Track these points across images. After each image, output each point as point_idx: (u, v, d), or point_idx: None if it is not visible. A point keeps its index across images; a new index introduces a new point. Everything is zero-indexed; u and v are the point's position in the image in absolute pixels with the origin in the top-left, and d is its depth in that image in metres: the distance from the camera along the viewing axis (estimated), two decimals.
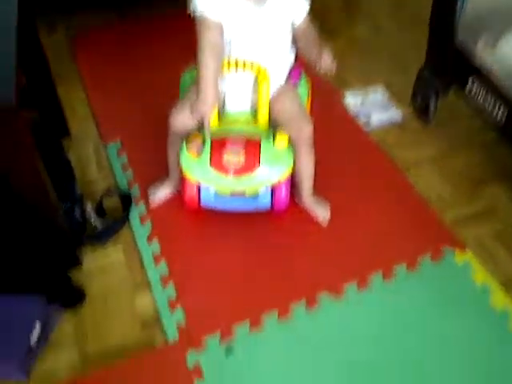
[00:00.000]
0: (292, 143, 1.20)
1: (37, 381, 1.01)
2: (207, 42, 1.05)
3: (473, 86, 1.31)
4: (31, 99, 1.41)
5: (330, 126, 1.49)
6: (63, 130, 1.49)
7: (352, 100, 1.63)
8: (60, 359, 1.04)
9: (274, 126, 1.19)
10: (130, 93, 1.61)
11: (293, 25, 1.14)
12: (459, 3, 1.28)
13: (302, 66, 1.32)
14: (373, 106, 1.60)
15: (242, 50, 1.11)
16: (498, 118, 1.26)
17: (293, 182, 1.26)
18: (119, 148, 1.46)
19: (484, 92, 1.28)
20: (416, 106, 1.56)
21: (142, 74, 1.65)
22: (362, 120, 1.56)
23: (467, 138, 1.51)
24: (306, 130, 1.18)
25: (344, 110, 1.60)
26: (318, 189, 1.30)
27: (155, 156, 1.35)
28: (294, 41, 1.18)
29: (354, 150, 1.47)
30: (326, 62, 1.12)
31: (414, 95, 1.55)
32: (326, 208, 1.30)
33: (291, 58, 1.22)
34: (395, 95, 1.65)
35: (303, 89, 1.34)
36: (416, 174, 1.42)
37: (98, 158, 1.45)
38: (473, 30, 1.34)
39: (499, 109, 1.25)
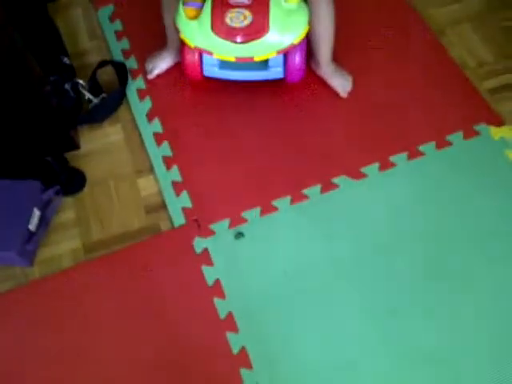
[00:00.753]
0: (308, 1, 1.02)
1: (42, 267, 0.98)
2: None
3: None
4: None
5: None
6: None
7: None
8: (63, 246, 1.00)
9: None
10: None
11: None
12: None
13: None
14: None
15: None
16: None
17: (309, 47, 1.10)
18: (112, 12, 1.29)
19: None
20: None
21: None
22: None
23: None
24: None
25: None
26: (340, 50, 1.13)
27: (153, 21, 1.18)
28: None
29: (382, 9, 1.26)
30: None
31: None
32: (346, 78, 1.14)
33: None
34: None
35: None
36: (452, 36, 1.22)
37: (89, 25, 1.29)
38: None
39: None
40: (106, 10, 1.29)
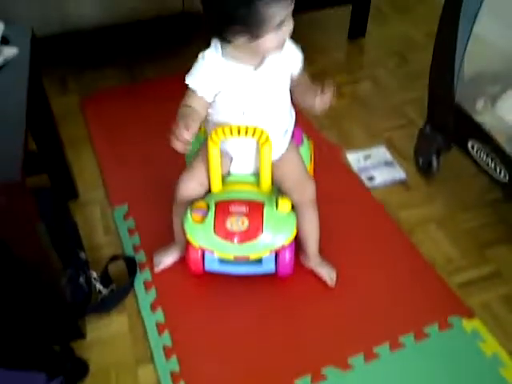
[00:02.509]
0: (295, 205, 1.21)
1: None
2: (185, 105, 1.10)
3: (474, 145, 1.32)
4: (40, 163, 1.45)
5: (333, 186, 1.49)
6: (71, 193, 1.51)
7: (355, 159, 1.64)
8: None
9: (277, 189, 1.21)
10: (140, 157, 1.64)
11: (291, 78, 1.16)
12: (456, 66, 1.30)
13: (301, 128, 1.36)
14: (376, 165, 1.61)
15: (243, 115, 1.13)
16: (501, 176, 1.26)
17: (298, 243, 1.26)
18: (126, 212, 1.48)
19: (485, 151, 1.29)
20: (419, 164, 1.57)
21: (152, 138, 1.64)
22: (364, 179, 1.57)
23: (475, 197, 1.51)
24: (309, 192, 1.20)
25: (347, 169, 1.61)
26: (321, 252, 1.29)
27: (162, 221, 1.36)
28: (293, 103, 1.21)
29: (357, 211, 1.47)
30: (325, 96, 1.12)
31: (417, 152, 1.57)
32: (332, 269, 1.29)
33: (292, 121, 1.24)
34: (398, 153, 1.66)
35: (305, 150, 1.36)
36: (421, 235, 1.41)
37: (105, 221, 1.47)
38: (471, 91, 1.37)
39: (500, 168, 1.25)
40: (121, 210, 1.48)
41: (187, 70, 1.10)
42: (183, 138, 1.02)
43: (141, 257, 1.35)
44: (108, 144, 1.72)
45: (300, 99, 1.19)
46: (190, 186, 1.21)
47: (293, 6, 1.01)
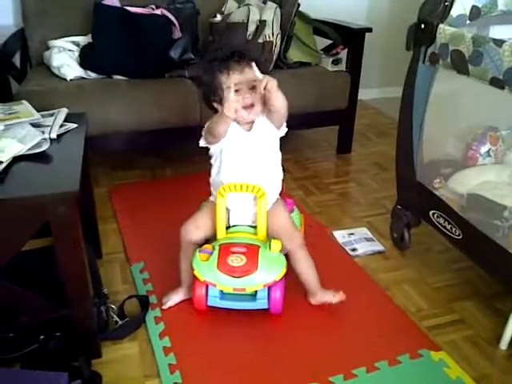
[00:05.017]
0: (289, 253, 1.47)
1: None
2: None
3: (434, 213, 1.61)
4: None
5: (321, 254, 1.73)
6: (97, 253, 1.78)
7: (340, 235, 1.92)
8: None
9: (270, 235, 1.48)
10: (155, 230, 1.92)
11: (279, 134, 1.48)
12: (415, 154, 1.66)
13: (293, 200, 1.67)
14: (358, 240, 1.89)
15: (236, 172, 1.45)
16: (456, 235, 1.53)
17: (303, 287, 1.51)
18: (142, 267, 1.72)
19: (442, 217, 1.57)
20: (393, 237, 1.84)
21: (165, 218, 1.97)
22: (348, 250, 1.83)
23: (443, 266, 1.75)
24: (297, 239, 1.47)
25: (333, 243, 1.88)
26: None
27: (172, 275, 1.60)
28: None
29: (342, 273, 1.71)
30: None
31: (391, 228, 1.85)
32: (335, 292, 1.50)
33: (279, 177, 1.53)
34: (378, 232, 1.95)
35: (296, 218, 1.66)
36: (396, 291, 1.63)
37: (124, 275, 1.71)
38: (429, 173, 1.70)
39: (455, 228, 1.52)
40: (138, 266, 1.73)
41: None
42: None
43: (152, 299, 1.57)
44: (129, 221, 2.02)
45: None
46: (188, 228, 1.49)
47: (249, 78, 1.36)
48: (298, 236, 1.48)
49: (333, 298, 1.50)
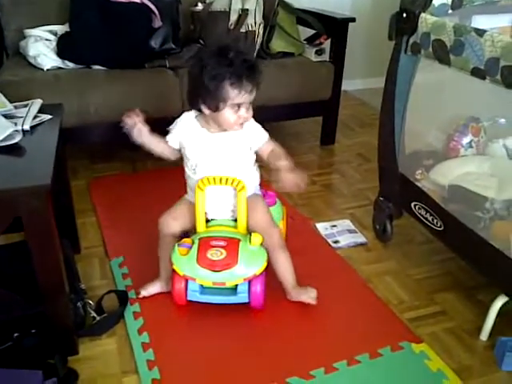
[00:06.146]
0: (267, 249, 1.44)
1: None
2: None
3: (416, 205, 1.60)
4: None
5: (303, 245, 1.74)
6: (75, 248, 1.74)
7: (322, 227, 1.91)
8: None
9: (250, 229, 1.46)
10: (134, 224, 1.88)
11: (253, 149, 1.44)
12: (396, 145, 1.65)
13: (276, 193, 1.65)
14: (341, 232, 1.87)
15: (209, 170, 1.42)
16: (437, 226, 1.52)
17: (280, 283, 1.48)
18: (121, 262, 1.69)
19: (424, 208, 1.56)
20: (376, 229, 1.83)
21: (145, 210, 1.92)
22: (331, 242, 1.82)
23: (424, 258, 1.75)
24: (275, 236, 1.44)
25: (315, 234, 1.87)
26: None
27: (152, 269, 1.57)
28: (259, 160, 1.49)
29: (323, 263, 1.69)
30: (288, 181, 1.38)
31: (374, 220, 1.84)
32: (311, 290, 1.48)
33: (253, 180, 1.50)
34: (360, 224, 1.93)
35: (278, 210, 1.64)
36: (378, 283, 1.62)
37: (102, 270, 1.67)
38: (411, 164, 1.69)
39: (436, 219, 1.52)
40: (117, 260, 1.70)
41: (181, 165, 1.49)
42: (129, 118, 1.40)
43: (132, 294, 1.54)
44: (108, 215, 1.98)
45: (272, 165, 1.48)
46: (165, 220, 1.47)
47: (252, 98, 1.34)
48: (275, 233, 1.45)
49: (307, 298, 1.48)
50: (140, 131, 1.42)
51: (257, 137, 1.45)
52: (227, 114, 1.34)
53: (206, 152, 1.42)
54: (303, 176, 1.40)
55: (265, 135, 1.46)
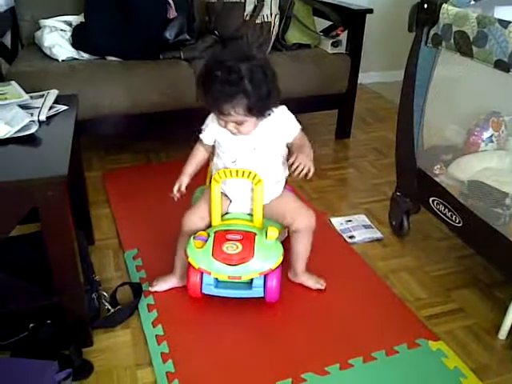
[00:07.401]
0: (294, 232, 1.44)
1: None
2: (194, 151, 1.49)
3: (434, 200, 1.57)
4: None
5: (318, 240, 1.70)
6: (89, 239, 1.73)
7: (337, 222, 1.88)
8: None
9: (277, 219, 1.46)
10: (149, 216, 1.88)
11: (285, 141, 1.43)
12: (415, 140, 1.62)
13: (291, 187, 1.63)
14: (356, 227, 1.85)
15: (234, 163, 1.41)
16: (456, 222, 1.49)
17: (288, 262, 1.48)
18: (135, 254, 1.69)
19: (442, 204, 1.54)
20: (392, 225, 1.81)
21: (159, 202, 1.89)
22: (346, 237, 1.80)
23: (442, 254, 1.72)
24: (312, 220, 1.44)
25: (330, 229, 1.85)
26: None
27: (165, 262, 1.56)
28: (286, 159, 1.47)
29: (339, 259, 1.68)
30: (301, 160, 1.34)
31: (390, 216, 1.82)
32: (319, 278, 1.50)
33: (284, 174, 1.50)
34: (376, 219, 1.91)
35: None
36: (394, 279, 1.60)
37: (116, 262, 1.67)
38: (430, 159, 1.66)
39: (455, 215, 1.49)
40: (131, 252, 1.69)
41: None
42: (174, 192, 1.46)
43: (146, 287, 1.53)
44: (122, 206, 1.97)
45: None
46: (192, 219, 1.45)
47: (240, 118, 1.28)
48: (309, 217, 1.44)
49: (315, 283, 1.50)
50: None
51: (290, 127, 1.43)
52: (222, 123, 1.34)
53: (242, 146, 1.39)
54: (312, 168, 1.37)
55: (297, 127, 1.45)
